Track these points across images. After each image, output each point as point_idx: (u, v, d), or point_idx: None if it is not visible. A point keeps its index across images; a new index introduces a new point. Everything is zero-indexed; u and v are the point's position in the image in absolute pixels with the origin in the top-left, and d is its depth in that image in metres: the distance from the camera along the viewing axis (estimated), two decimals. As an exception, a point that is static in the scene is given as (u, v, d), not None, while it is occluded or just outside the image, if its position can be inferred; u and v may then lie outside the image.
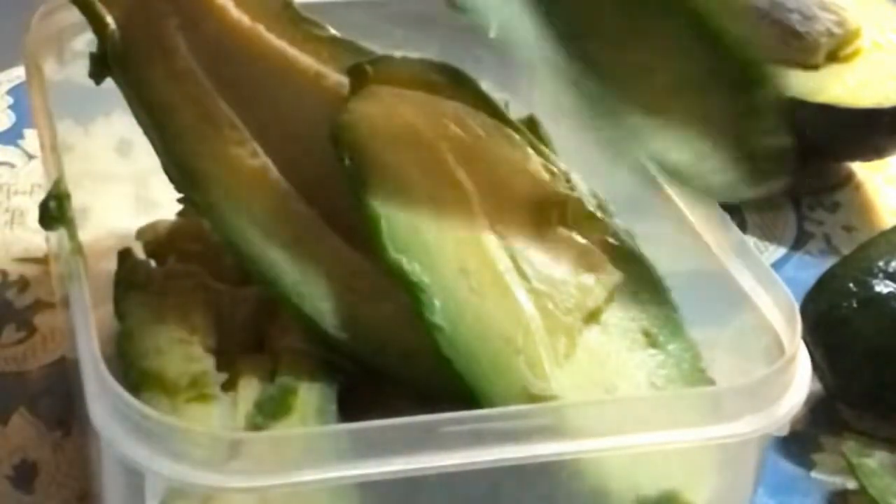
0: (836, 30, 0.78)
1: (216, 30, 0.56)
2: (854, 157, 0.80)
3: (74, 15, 0.57)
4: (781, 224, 0.77)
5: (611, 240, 0.56)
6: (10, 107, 0.79)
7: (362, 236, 0.53)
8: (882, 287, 0.62)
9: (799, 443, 0.62)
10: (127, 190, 0.67)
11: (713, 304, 0.55)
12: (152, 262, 0.60)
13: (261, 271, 0.54)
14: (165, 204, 0.60)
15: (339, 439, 0.45)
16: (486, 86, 0.56)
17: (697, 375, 0.54)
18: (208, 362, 0.53)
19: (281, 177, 0.55)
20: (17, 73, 0.79)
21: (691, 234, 0.56)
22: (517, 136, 0.56)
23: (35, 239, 0.69)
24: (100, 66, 0.55)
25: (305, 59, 0.57)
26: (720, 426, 0.48)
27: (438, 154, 0.54)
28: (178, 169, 0.54)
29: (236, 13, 0.56)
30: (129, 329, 0.54)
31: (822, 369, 0.62)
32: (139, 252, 0.60)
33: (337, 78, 0.56)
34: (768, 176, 0.53)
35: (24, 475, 0.57)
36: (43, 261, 0.68)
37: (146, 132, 0.55)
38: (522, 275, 0.54)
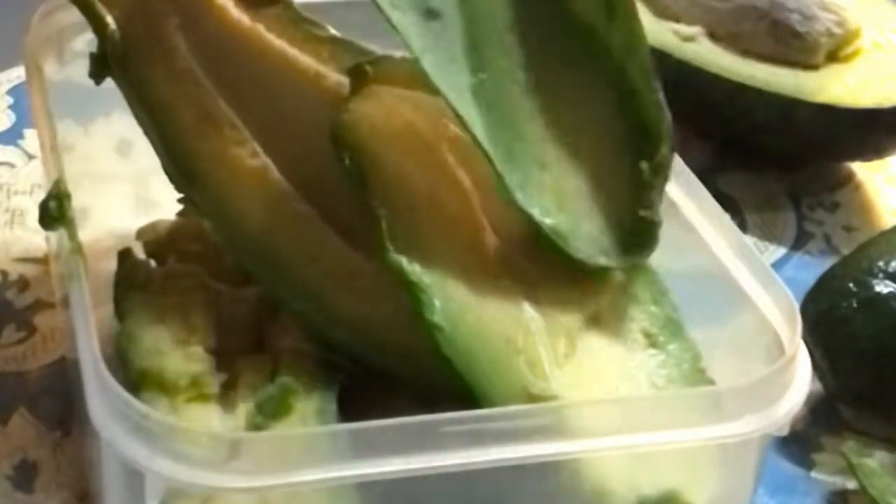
0: (836, 30, 0.78)
1: (216, 30, 0.56)
2: (854, 157, 0.80)
3: (74, 15, 0.57)
4: (781, 224, 0.77)
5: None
6: (10, 107, 0.79)
7: (362, 236, 0.53)
8: (882, 287, 0.62)
9: (799, 443, 0.62)
10: (127, 190, 0.67)
11: (713, 304, 0.55)
12: (152, 262, 0.60)
13: (261, 271, 0.54)
14: (165, 204, 0.60)
15: (339, 439, 0.45)
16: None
17: (697, 376, 0.54)
18: (208, 362, 0.53)
19: (281, 177, 0.55)
20: (17, 73, 0.79)
21: (691, 234, 0.56)
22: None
23: (35, 239, 0.69)
24: (100, 66, 0.55)
25: (305, 59, 0.57)
26: (720, 426, 0.48)
27: (438, 154, 0.54)
28: (178, 169, 0.54)
29: (236, 13, 0.56)
30: (129, 329, 0.54)
31: (822, 369, 0.62)
32: (139, 252, 0.60)
33: (337, 78, 0.56)
34: (635, 248, 0.54)
35: (24, 475, 0.57)
36: (43, 261, 0.68)
37: (146, 132, 0.55)
38: (522, 275, 0.54)
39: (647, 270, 0.56)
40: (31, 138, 0.76)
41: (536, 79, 0.55)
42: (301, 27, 0.57)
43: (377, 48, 0.57)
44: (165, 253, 0.60)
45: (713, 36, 0.79)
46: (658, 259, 0.56)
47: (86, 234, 0.54)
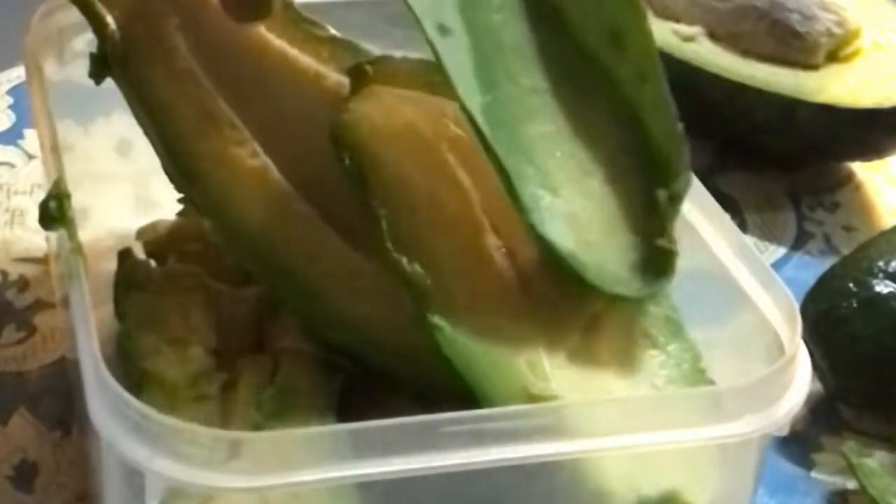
0: (836, 30, 0.78)
1: (216, 30, 0.56)
2: (854, 157, 0.80)
3: (74, 15, 0.57)
4: (781, 224, 0.77)
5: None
6: (10, 107, 0.79)
7: (362, 236, 0.53)
8: (882, 287, 0.62)
9: (799, 443, 0.62)
10: (127, 190, 0.67)
11: (713, 304, 0.55)
12: (152, 262, 0.60)
13: (261, 271, 0.54)
14: (165, 204, 0.60)
15: (339, 439, 0.45)
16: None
17: (697, 376, 0.54)
18: (208, 362, 0.53)
19: (281, 177, 0.55)
20: (17, 73, 0.79)
21: (691, 234, 0.56)
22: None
23: (35, 239, 0.69)
24: (100, 66, 0.55)
25: (305, 59, 0.57)
26: (720, 426, 0.48)
27: (438, 154, 0.54)
28: (178, 169, 0.54)
29: (236, 13, 0.56)
30: (129, 329, 0.54)
31: (822, 369, 0.62)
32: (139, 252, 0.60)
33: (337, 78, 0.56)
34: (652, 277, 0.53)
35: (24, 475, 0.57)
36: (43, 261, 0.68)
37: (146, 132, 0.55)
38: (523, 275, 0.54)
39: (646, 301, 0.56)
40: (31, 138, 0.76)
41: (544, 102, 0.54)
42: (301, 27, 0.57)
43: (377, 48, 0.57)
44: (165, 253, 0.60)
45: (713, 36, 0.79)
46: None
47: (86, 234, 0.54)
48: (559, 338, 0.53)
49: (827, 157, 0.81)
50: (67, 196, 0.53)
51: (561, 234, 0.52)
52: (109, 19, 0.55)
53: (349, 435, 0.45)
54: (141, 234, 0.62)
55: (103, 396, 0.45)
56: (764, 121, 0.77)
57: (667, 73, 0.54)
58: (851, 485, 0.60)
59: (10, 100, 0.79)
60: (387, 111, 0.54)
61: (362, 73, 0.54)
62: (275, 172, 0.55)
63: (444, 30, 0.53)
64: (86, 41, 0.58)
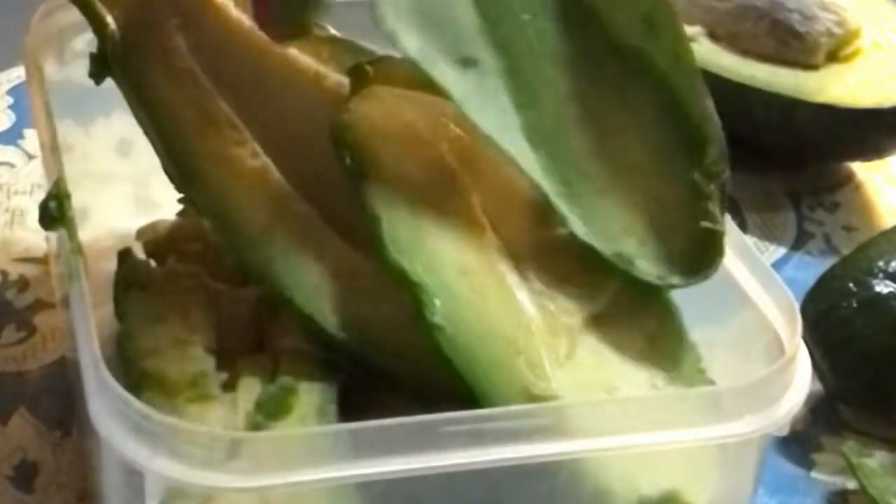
0: (836, 30, 0.78)
1: (216, 30, 0.56)
2: (854, 157, 0.80)
3: (74, 15, 0.57)
4: (781, 224, 0.77)
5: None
6: (10, 107, 0.79)
7: (362, 236, 0.53)
8: (882, 287, 0.62)
9: (799, 443, 0.62)
10: (127, 190, 0.67)
11: (713, 304, 0.55)
12: (152, 262, 0.60)
13: (261, 271, 0.54)
14: (165, 204, 0.60)
15: (339, 439, 0.45)
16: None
17: (698, 376, 0.54)
18: (208, 362, 0.53)
19: (281, 177, 0.55)
20: (17, 73, 0.79)
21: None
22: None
23: (35, 239, 0.69)
24: (100, 66, 0.55)
25: (305, 59, 0.57)
26: (720, 426, 0.48)
27: (438, 154, 0.54)
28: (178, 169, 0.54)
29: (236, 13, 0.56)
30: (129, 329, 0.54)
31: (822, 369, 0.62)
32: (139, 252, 0.60)
33: (337, 78, 0.56)
34: (702, 262, 0.53)
35: (24, 475, 0.57)
36: (43, 261, 0.68)
37: (146, 132, 0.55)
38: (523, 275, 0.54)
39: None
40: (31, 138, 0.76)
41: (584, 106, 0.55)
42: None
43: (377, 48, 0.57)
44: (165, 253, 0.60)
45: (713, 36, 0.79)
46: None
47: (86, 234, 0.54)
48: (559, 337, 0.53)
49: (827, 157, 0.81)
50: (67, 196, 0.53)
51: (610, 237, 0.53)
52: (109, 19, 0.55)
53: (349, 435, 0.45)
54: (141, 234, 0.62)
55: (103, 396, 0.45)
56: (764, 121, 0.77)
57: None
58: (851, 485, 0.60)
59: (10, 100, 0.79)
60: (387, 111, 0.54)
61: (362, 73, 0.54)
62: (275, 172, 0.55)
63: (467, 62, 0.54)
64: (86, 41, 0.58)
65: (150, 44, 0.55)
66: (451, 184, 0.54)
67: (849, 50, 0.78)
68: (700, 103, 0.54)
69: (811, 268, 0.71)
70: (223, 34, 0.56)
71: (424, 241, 0.52)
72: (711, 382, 0.54)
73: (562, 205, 0.54)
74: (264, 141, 0.55)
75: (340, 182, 0.54)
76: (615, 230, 0.54)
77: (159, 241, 0.61)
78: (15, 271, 0.67)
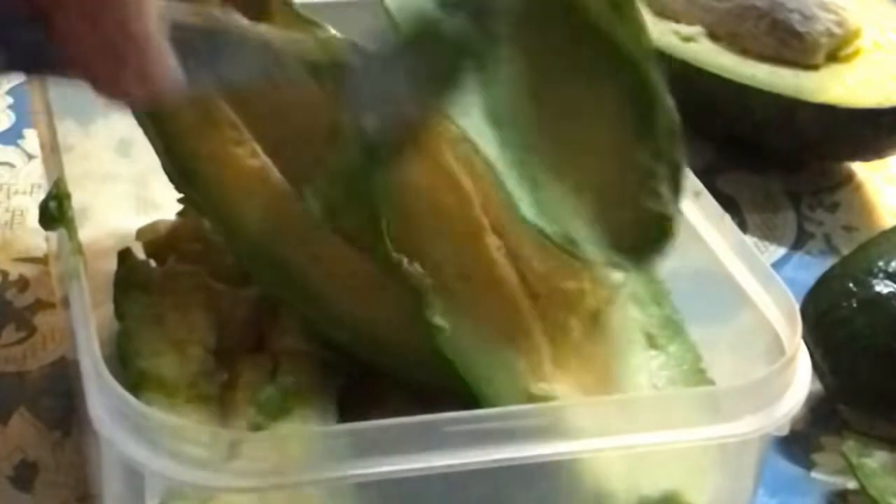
0: (836, 30, 0.78)
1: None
2: (854, 157, 0.80)
3: (74, 15, 0.57)
4: (781, 224, 0.77)
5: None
6: (9, 107, 0.79)
7: (362, 236, 0.53)
8: (882, 287, 0.62)
9: (799, 443, 0.62)
10: (127, 190, 0.67)
11: (713, 304, 0.55)
12: (152, 262, 0.60)
13: (261, 271, 0.54)
14: (165, 204, 0.60)
15: (339, 439, 0.45)
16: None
17: (698, 376, 0.54)
18: (208, 362, 0.53)
19: (281, 177, 0.55)
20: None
21: (691, 234, 0.56)
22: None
23: (35, 239, 0.69)
24: (100, 66, 0.55)
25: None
26: (720, 426, 0.48)
27: (438, 154, 0.54)
28: (178, 169, 0.54)
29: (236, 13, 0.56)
30: (128, 329, 0.54)
31: (822, 369, 0.62)
32: (139, 252, 0.60)
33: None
34: (649, 245, 0.52)
35: (24, 475, 0.57)
36: (43, 261, 0.68)
37: (146, 132, 0.55)
38: (523, 276, 0.54)
39: (647, 270, 0.56)
40: (31, 138, 0.76)
41: (544, 88, 0.54)
42: (301, 27, 0.57)
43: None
44: (165, 253, 0.60)
45: (713, 36, 0.79)
46: (658, 259, 0.56)
47: (86, 234, 0.54)
48: (559, 338, 0.53)
49: (827, 157, 0.81)
50: (67, 196, 0.53)
51: (559, 219, 0.52)
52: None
53: (349, 435, 0.45)
54: (141, 234, 0.62)
55: (103, 396, 0.45)
56: (764, 121, 0.77)
57: (667, 73, 0.54)
58: (851, 485, 0.60)
59: (10, 100, 0.79)
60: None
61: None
62: (275, 172, 0.55)
63: None
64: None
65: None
66: (451, 184, 0.54)
67: (849, 50, 0.78)
68: (654, 86, 0.53)
69: (811, 268, 0.71)
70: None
71: (424, 242, 0.52)
72: (711, 382, 0.54)
73: (512, 185, 0.52)
74: (264, 141, 0.55)
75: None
76: (564, 212, 0.53)
77: (159, 241, 0.61)
78: (15, 271, 0.67)
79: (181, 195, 0.56)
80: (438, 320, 0.51)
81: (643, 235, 0.52)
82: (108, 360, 0.45)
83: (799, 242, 0.75)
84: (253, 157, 0.55)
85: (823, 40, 0.77)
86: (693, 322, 0.56)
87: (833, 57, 0.78)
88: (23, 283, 0.67)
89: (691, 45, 0.78)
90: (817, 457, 0.62)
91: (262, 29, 0.48)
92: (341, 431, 0.46)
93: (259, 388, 0.53)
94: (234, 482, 0.44)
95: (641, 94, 0.53)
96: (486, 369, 0.50)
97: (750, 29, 0.78)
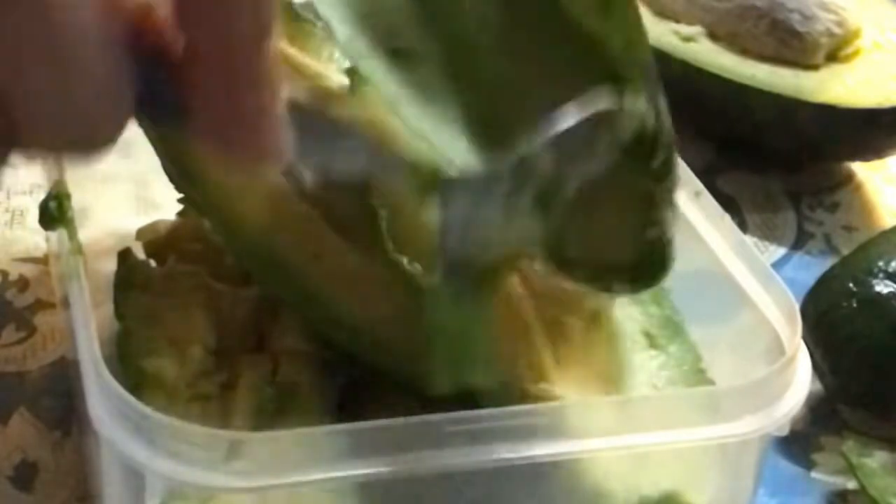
0: (836, 30, 0.78)
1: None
2: (854, 157, 0.80)
3: (74, 15, 0.57)
4: (781, 224, 0.77)
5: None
6: (10, 107, 0.78)
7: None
8: (882, 287, 0.62)
9: (799, 443, 0.62)
10: (127, 190, 0.67)
11: (713, 304, 0.55)
12: (152, 262, 0.60)
13: (261, 272, 0.54)
14: (165, 204, 0.60)
15: (339, 439, 0.45)
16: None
17: (698, 377, 0.54)
18: (208, 362, 0.53)
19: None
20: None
21: (691, 234, 0.56)
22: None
23: (35, 239, 0.69)
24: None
25: (305, 59, 0.57)
26: (720, 426, 0.48)
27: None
28: (178, 169, 0.54)
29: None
30: (128, 329, 0.54)
31: (822, 369, 0.62)
32: (139, 252, 0.60)
33: (337, 78, 0.56)
34: (650, 272, 0.52)
35: (24, 475, 0.57)
36: (43, 261, 0.68)
37: (146, 132, 0.55)
38: (523, 275, 0.54)
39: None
40: (31, 138, 0.75)
41: (528, 97, 0.52)
42: (300, 27, 0.57)
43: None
44: (165, 253, 0.60)
45: (713, 36, 0.79)
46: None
47: (86, 234, 0.54)
48: (559, 338, 0.53)
49: (827, 157, 0.81)
50: (67, 196, 0.53)
51: (548, 242, 0.52)
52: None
53: (349, 435, 0.45)
54: (141, 234, 0.62)
55: (103, 396, 0.45)
56: (764, 121, 0.77)
57: (667, 73, 0.54)
58: (851, 485, 0.60)
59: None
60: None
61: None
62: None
63: (401, 53, 0.52)
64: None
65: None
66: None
67: (849, 50, 0.78)
68: (648, 100, 0.50)
69: (811, 268, 0.71)
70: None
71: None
72: (711, 382, 0.54)
73: None
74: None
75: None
76: (557, 238, 0.52)
77: (159, 241, 0.61)
78: (15, 271, 0.67)
79: (181, 195, 0.56)
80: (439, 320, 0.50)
81: (645, 262, 0.52)
82: (108, 360, 0.45)
83: (799, 242, 0.75)
84: (253, 157, 0.55)
85: (823, 40, 0.77)
86: (693, 322, 0.56)
87: (833, 57, 0.78)
88: (23, 283, 0.67)
89: (691, 45, 0.78)
90: (817, 457, 0.62)
91: (369, 128, 0.48)
92: (341, 431, 0.46)
93: (259, 388, 0.53)
94: (234, 482, 0.44)
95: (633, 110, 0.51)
96: (486, 370, 0.50)
97: (750, 29, 0.78)
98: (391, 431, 0.45)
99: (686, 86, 0.60)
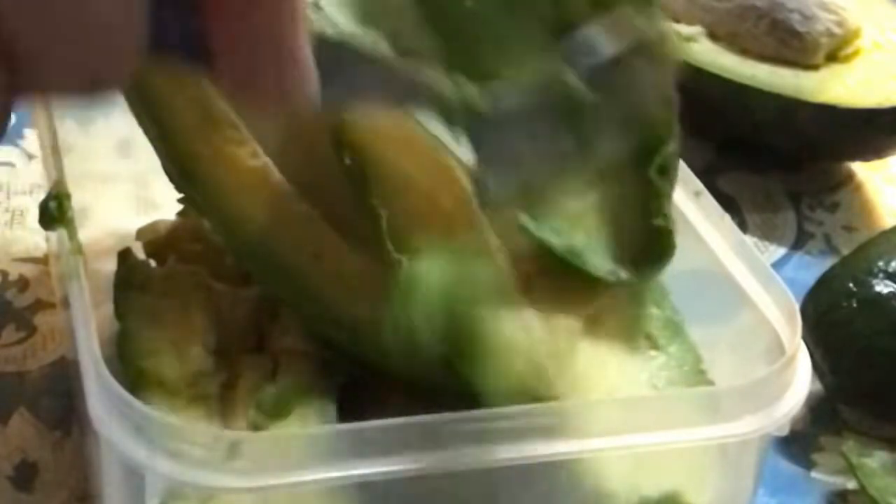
0: (836, 30, 0.78)
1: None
2: (854, 157, 0.80)
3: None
4: (781, 224, 0.77)
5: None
6: (10, 107, 0.78)
7: (362, 236, 0.53)
8: (882, 287, 0.62)
9: (799, 443, 0.62)
10: (127, 190, 0.67)
11: (713, 304, 0.55)
12: (152, 262, 0.60)
13: (261, 271, 0.54)
14: (165, 204, 0.60)
15: (339, 439, 0.45)
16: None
17: (698, 377, 0.54)
18: (208, 362, 0.53)
19: (281, 177, 0.55)
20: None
21: (691, 234, 0.56)
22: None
23: (35, 239, 0.69)
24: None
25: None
26: (720, 426, 0.48)
27: (438, 154, 0.54)
28: (178, 169, 0.54)
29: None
30: (128, 329, 0.54)
31: (822, 369, 0.62)
32: (139, 252, 0.60)
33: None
34: (652, 259, 0.53)
35: (24, 475, 0.57)
36: (43, 261, 0.68)
37: (146, 132, 0.55)
38: (523, 275, 0.54)
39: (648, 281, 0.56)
40: (31, 138, 0.76)
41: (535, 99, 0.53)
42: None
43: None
44: (165, 253, 0.60)
45: (713, 36, 0.79)
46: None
47: (86, 234, 0.54)
48: (559, 338, 0.53)
49: (827, 157, 0.81)
50: (67, 196, 0.53)
51: (560, 230, 0.52)
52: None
53: (349, 435, 0.45)
54: (141, 234, 0.62)
55: (103, 396, 0.45)
56: (764, 121, 0.77)
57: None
58: (851, 485, 0.60)
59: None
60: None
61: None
62: (275, 173, 0.55)
63: (407, 53, 0.51)
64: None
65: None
66: (451, 183, 0.54)
67: (849, 50, 0.78)
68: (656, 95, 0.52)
69: (811, 268, 0.71)
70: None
71: (424, 242, 0.52)
72: (711, 382, 0.54)
73: None
74: (264, 141, 0.55)
75: (340, 182, 0.53)
76: (564, 224, 0.53)
77: (159, 241, 0.61)
78: (15, 271, 0.67)
79: (181, 195, 0.56)
80: (438, 320, 0.51)
81: (649, 251, 0.53)
82: (108, 360, 0.45)
83: (799, 242, 0.75)
84: (253, 157, 0.55)
85: (823, 40, 0.77)
86: (693, 322, 0.56)
87: (833, 57, 0.78)
88: (23, 283, 0.67)
89: (691, 46, 0.78)
90: (817, 457, 0.62)
91: (400, 60, 0.48)
92: (341, 431, 0.46)
93: (259, 388, 0.53)
94: (234, 482, 0.44)
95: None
96: (486, 370, 0.50)
97: (750, 29, 0.78)
98: (391, 431, 0.45)
99: (686, 86, 0.59)
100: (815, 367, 0.57)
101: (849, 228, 0.77)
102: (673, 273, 0.56)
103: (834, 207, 0.78)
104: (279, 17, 0.37)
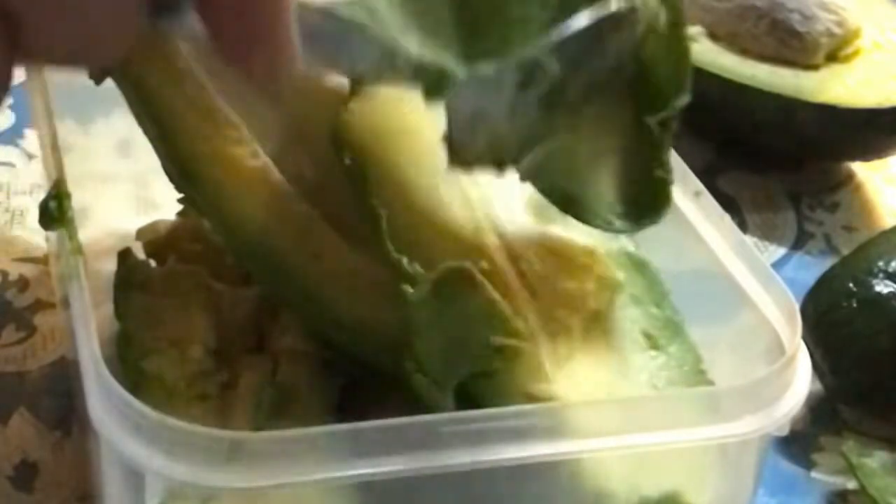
0: (836, 30, 0.78)
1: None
2: (854, 157, 0.80)
3: (74, 15, 0.57)
4: (781, 224, 0.77)
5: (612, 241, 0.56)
6: (10, 107, 0.79)
7: (363, 236, 0.53)
8: (882, 287, 0.62)
9: (799, 443, 0.62)
10: (127, 190, 0.67)
11: (713, 304, 0.55)
12: (152, 262, 0.60)
13: (261, 271, 0.54)
14: (165, 204, 0.60)
15: (339, 439, 0.45)
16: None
17: (698, 377, 0.54)
18: (208, 362, 0.53)
19: (282, 177, 0.55)
20: (18, 73, 0.79)
21: (691, 234, 0.56)
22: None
23: (35, 239, 0.69)
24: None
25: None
26: (720, 426, 0.48)
27: (438, 154, 0.54)
28: (178, 169, 0.54)
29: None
30: (128, 329, 0.54)
31: (822, 369, 0.62)
32: (139, 252, 0.60)
33: (337, 78, 0.56)
34: (649, 210, 0.53)
35: (24, 475, 0.57)
36: (43, 261, 0.68)
37: (146, 132, 0.55)
38: (523, 275, 0.54)
39: (647, 271, 0.56)
40: (31, 138, 0.76)
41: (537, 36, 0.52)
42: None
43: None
44: (165, 253, 0.60)
45: (713, 36, 0.79)
46: (658, 259, 0.56)
47: (86, 234, 0.53)
48: (559, 338, 0.53)
49: (827, 157, 0.81)
50: (67, 196, 0.53)
51: (557, 177, 0.52)
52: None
53: (349, 435, 0.45)
54: (141, 234, 0.62)
55: (103, 396, 0.45)
56: (764, 121, 0.77)
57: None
58: (851, 485, 0.60)
59: (10, 100, 0.79)
60: (387, 111, 0.54)
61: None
62: (275, 173, 0.55)
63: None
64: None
65: (150, 44, 0.55)
66: (451, 184, 0.54)
67: (849, 50, 0.78)
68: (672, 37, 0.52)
69: (811, 268, 0.71)
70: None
71: (424, 241, 0.52)
72: (711, 382, 0.54)
73: None
74: (264, 141, 0.55)
75: (340, 182, 0.54)
76: (564, 170, 0.53)
77: (159, 241, 0.61)
78: (15, 271, 0.67)
79: (181, 195, 0.56)
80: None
81: (645, 201, 0.53)
82: (108, 360, 0.45)
83: (799, 242, 0.75)
84: (253, 157, 0.55)
85: (823, 40, 0.77)
86: (693, 322, 0.56)
87: (833, 57, 0.78)
88: (23, 283, 0.67)
89: (691, 45, 0.78)
90: (817, 457, 0.62)
91: (381, 29, 0.48)
92: (341, 431, 0.46)
93: (259, 388, 0.53)
94: (234, 482, 0.44)
95: (651, 63, 0.53)
96: (486, 370, 0.50)
97: (750, 29, 0.78)
98: (391, 431, 0.45)
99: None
100: (815, 367, 0.57)
101: (849, 228, 0.77)
102: (673, 273, 0.57)
103: (834, 207, 0.78)
104: None
